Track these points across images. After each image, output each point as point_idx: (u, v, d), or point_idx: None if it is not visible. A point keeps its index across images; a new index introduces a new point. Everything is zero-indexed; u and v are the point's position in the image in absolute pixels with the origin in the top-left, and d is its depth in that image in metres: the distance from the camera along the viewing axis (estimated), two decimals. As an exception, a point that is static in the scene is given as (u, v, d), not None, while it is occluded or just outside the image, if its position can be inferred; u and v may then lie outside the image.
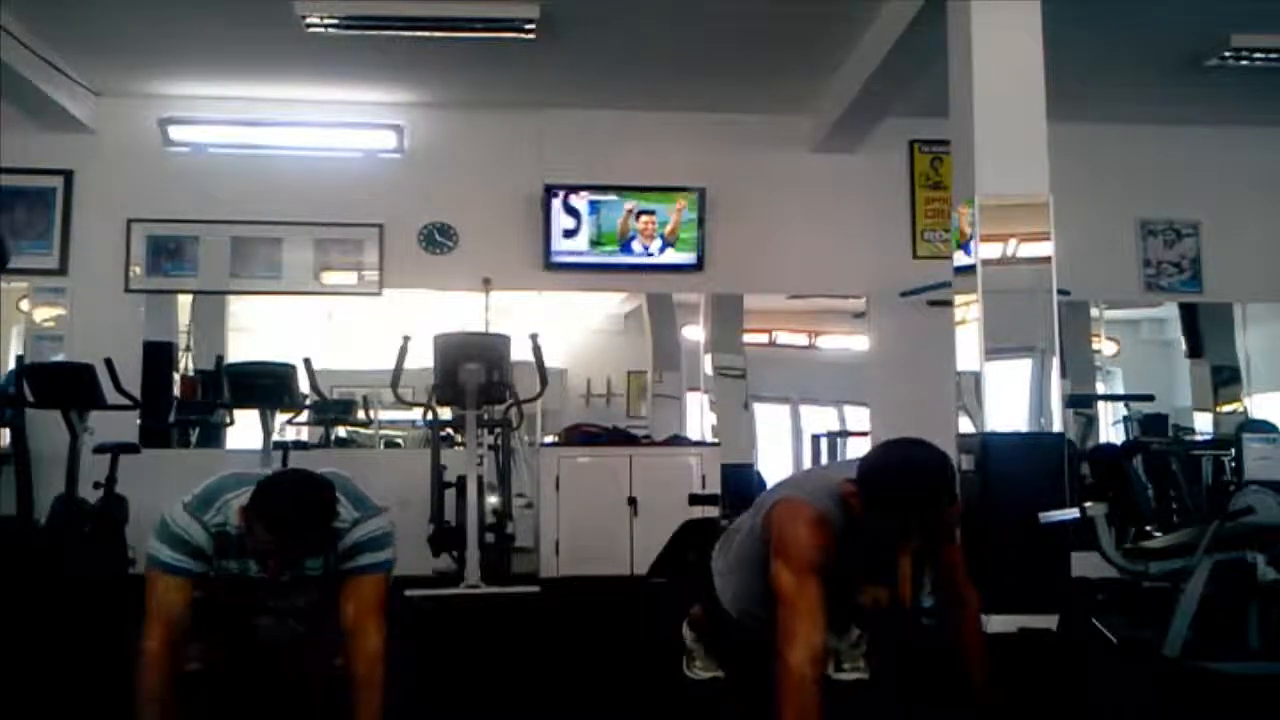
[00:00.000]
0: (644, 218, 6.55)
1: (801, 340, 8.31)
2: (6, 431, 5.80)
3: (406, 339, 5.52)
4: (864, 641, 3.22)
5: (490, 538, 5.44)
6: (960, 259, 4.54)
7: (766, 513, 2.58)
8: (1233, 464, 5.46)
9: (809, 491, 2.53)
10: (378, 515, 2.53)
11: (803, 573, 2.35)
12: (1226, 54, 5.52)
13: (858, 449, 7.12)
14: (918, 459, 2.35)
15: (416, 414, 5.97)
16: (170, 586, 2.37)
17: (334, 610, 2.46)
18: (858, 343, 7.30)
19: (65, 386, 5.26)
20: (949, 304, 4.78)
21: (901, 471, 2.34)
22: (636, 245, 6.56)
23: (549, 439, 6.53)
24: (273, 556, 2.35)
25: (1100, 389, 7.25)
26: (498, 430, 5.92)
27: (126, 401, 5.41)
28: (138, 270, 6.37)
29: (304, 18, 5.12)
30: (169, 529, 2.39)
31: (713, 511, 5.04)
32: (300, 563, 2.43)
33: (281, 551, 2.34)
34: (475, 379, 5.25)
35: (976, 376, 4.33)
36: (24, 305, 6.46)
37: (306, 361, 5.68)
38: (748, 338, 7.21)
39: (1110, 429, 7.05)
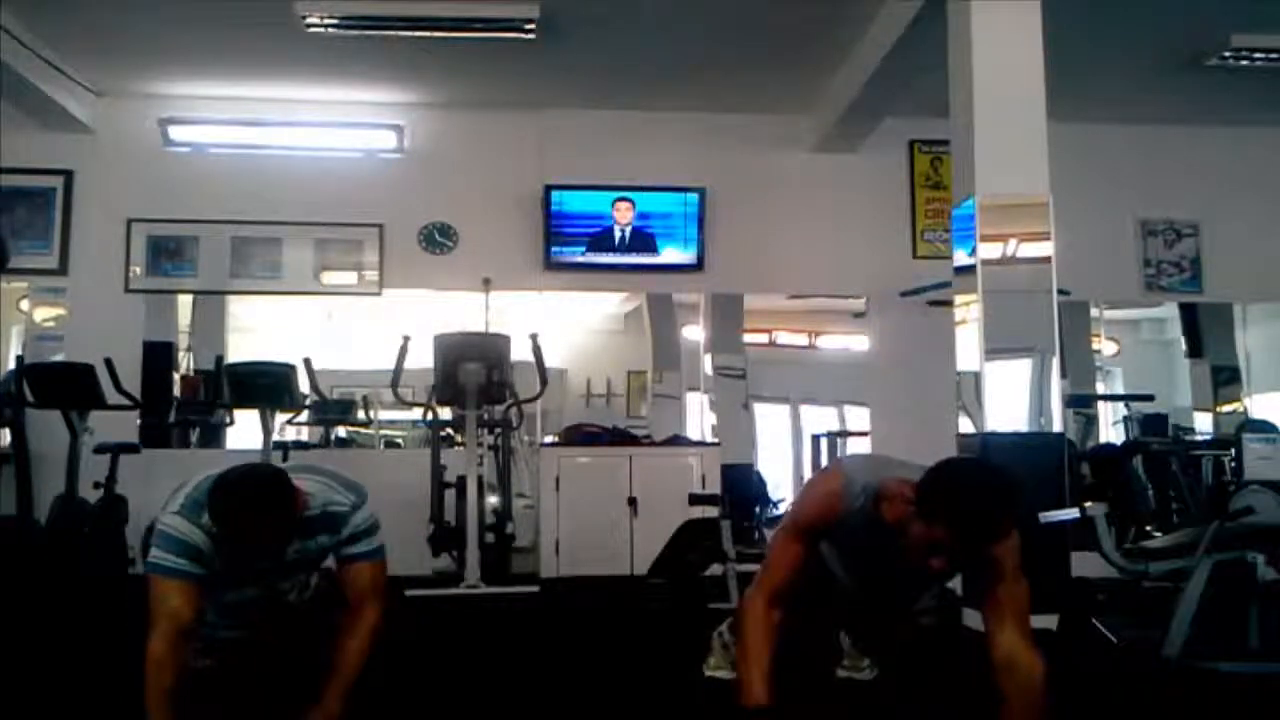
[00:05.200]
0: (621, 204, 6.55)
1: (801, 340, 8.32)
2: (6, 431, 5.80)
3: (406, 339, 5.52)
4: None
5: (490, 538, 5.44)
6: (960, 259, 4.55)
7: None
8: (1233, 464, 5.46)
9: (854, 470, 2.52)
10: (366, 502, 2.64)
11: (794, 532, 2.48)
12: (1226, 54, 5.51)
13: (858, 449, 7.13)
14: (988, 484, 2.22)
15: (416, 414, 5.98)
16: (171, 590, 2.42)
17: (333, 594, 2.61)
18: (858, 343, 7.30)
19: (65, 386, 5.27)
20: (949, 304, 4.78)
21: (964, 486, 2.20)
22: (615, 231, 6.55)
23: (549, 439, 6.53)
24: (241, 548, 2.42)
25: (1100, 389, 7.25)
26: (498, 430, 5.92)
27: (126, 401, 5.42)
28: (138, 270, 6.37)
29: (304, 18, 5.11)
30: (167, 534, 2.45)
31: (713, 511, 5.03)
32: (279, 550, 2.49)
33: (243, 541, 2.40)
34: (475, 379, 5.25)
35: (976, 376, 4.33)
36: (24, 305, 6.46)
37: (306, 361, 5.68)
38: (748, 338, 7.21)
39: (1110, 429, 7.05)
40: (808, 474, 7.64)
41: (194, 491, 2.48)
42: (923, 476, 2.25)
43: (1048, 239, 4.35)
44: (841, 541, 2.50)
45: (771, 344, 8.02)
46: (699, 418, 6.98)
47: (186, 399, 6.63)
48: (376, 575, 2.64)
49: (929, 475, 2.24)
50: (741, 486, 6.40)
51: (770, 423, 7.83)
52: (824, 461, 7.48)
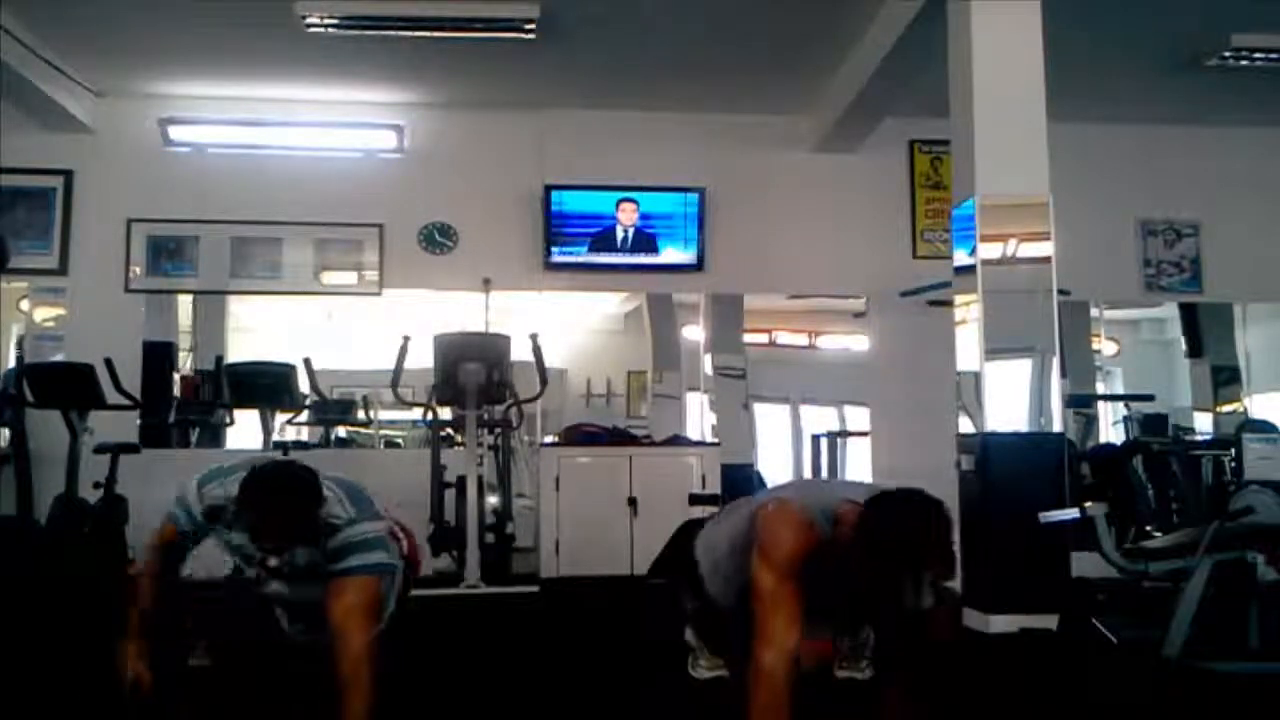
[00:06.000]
0: (625, 205, 6.55)
1: (801, 340, 8.32)
2: (6, 431, 5.80)
3: (406, 339, 5.52)
4: (869, 644, 3.22)
5: (490, 538, 5.44)
6: (960, 259, 4.55)
7: (755, 511, 2.59)
8: (1233, 464, 5.46)
9: (803, 499, 2.53)
10: (375, 520, 2.58)
11: (782, 574, 2.38)
12: (1226, 54, 5.51)
13: (857, 449, 7.13)
14: (922, 526, 2.25)
15: (416, 414, 5.97)
16: (165, 529, 2.69)
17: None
18: (858, 343, 7.31)
19: (65, 386, 5.27)
20: (949, 304, 4.78)
21: (902, 536, 2.23)
22: (618, 231, 6.55)
23: (549, 439, 6.52)
24: (262, 539, 2.45)
25: (1100, 389, 7.25)
26: (498, 430, 5.92)
27: (126, 401, 5.42)
28: (138, 270, 6.37)
29: (304, 18, 5.11)
30: (179, 494, 2.66)
31: (713, 511, 5.03)
32: (291, 549, 2.48)
33: (266, 534, 2.42)
34: (475, 379, 5.24)
35: (976, 376, 4.33)
36: (24, 305, 6.46)
37: (306, 361, 5.68)
38: (748, 338, 7.22)
39: (1110, 429, 7.05)
40: (808, 474, 7.65)
41: (223, 466, 2.63)
42: (861, 519, 2.26)
43: (1048, 239, 4.35)
44: (820, 566, 2.48)
45: (771, 344, 8.04)
46: (699, 418, 6.98)
47: (186, 399, 6.63)
48: (363, 592, 2.49)
49: (866, 519, 2.26)
50: (741, 486, 6.39)
51: (770, 423, 7.84)
52: (824, 462, 7.49)
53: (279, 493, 2.41)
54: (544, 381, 5.71)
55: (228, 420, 6.29)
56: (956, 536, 2.35)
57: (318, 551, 2.50)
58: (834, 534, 2.39)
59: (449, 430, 6.05)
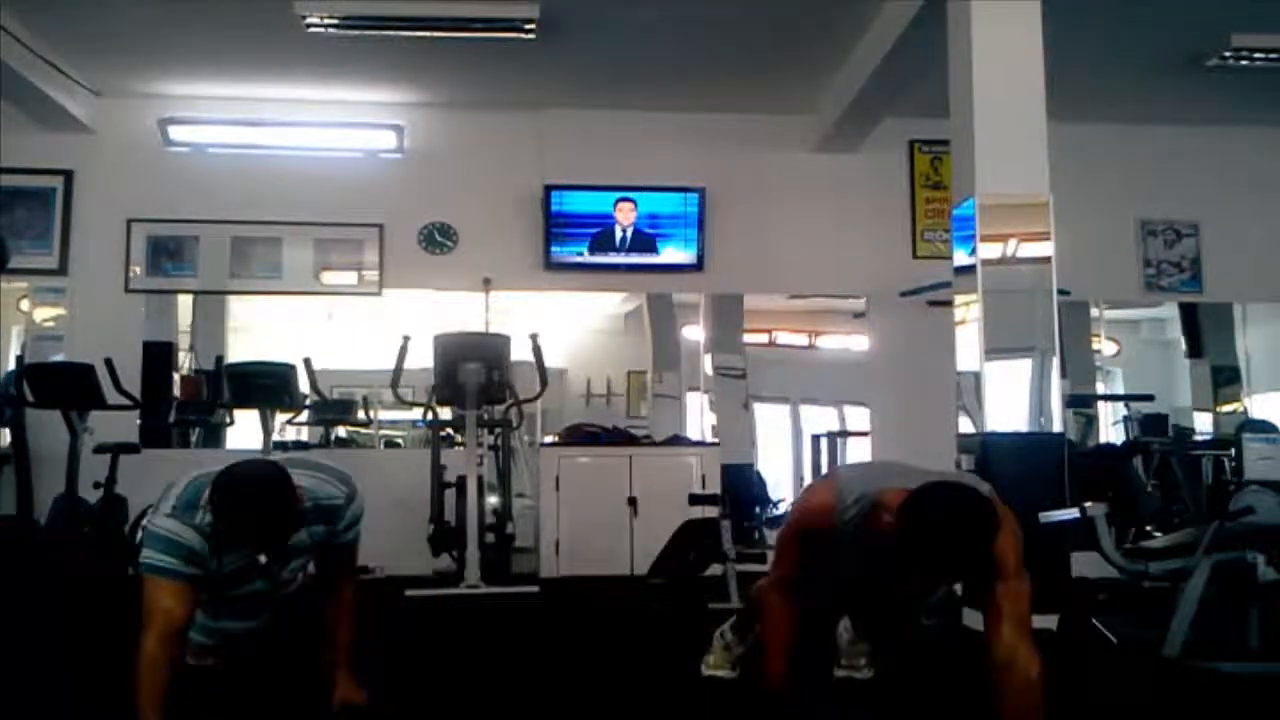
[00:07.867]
0: (624, 204, 6.55)
1: (801, 340, 8.31)
2: (6, 431, 5.80)
3: (406, 339, 5.53)
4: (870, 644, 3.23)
5: (490, 538, 5.44)
6: (960, 259, 4.55)
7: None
8: (1233, 464, 5.46)
9: (847, 481, 2.52)
10: (357, 492, 2.73)
11: (790, 532, 2.68)
12: (1226, 54, 5.51)
13: (857, 449, 7.12)
14: (957, 527, 2.16)
15: (416, 414, 5.98)
16: (165, 590, 2.41)
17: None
18: (858, 343, 7.30)
19: (65, 386, 5.27)
20: (949, 304, 4.79)
21: (938, 538, 2.16)
22: (617, 231, 6.55)
23: (549, 439, 6.53)
24: (247, 547, 2.48)
25: (1100, 389, 7.25)
26: (498, 430, 5.92)
27: (126, 401, 5.42)
28: (138, 270, 6.37)
29: (304, 18, 5.11)
30: (158, 535, 2.45)
31: (713, 511, 5.04)
32: (284, 546, 2.52)
33: (253, 543, 2.45)
34: (475, 379, 5.25)
35: (976, 376, 4.33)
36: (24, 305, 6.46)
37: (306, 361, 5.68)
38: (748, 338, 7.21)
39: (1110, 429, 7.05)
40: (808, 474, 7.64)
41: (184, 492, 2.49)
42: (896, 515, 2.21)
43: (1048, 239, 4.35)
44: (837, 550, 2.49)
45: (771, 344, 8.02)
46: (699, 418, 6.98)
47: (187, 400, 6.63)
48: (355, 554, 2.85)
49: (901, 516, 2.20)
50: (741, 486, 6.40)
51: (770, 423, 7.82)
52: (824, 461, 7.48)
53: (258, 501, 2.37)
54: (544, 381, 5.72)
55: (228, 420, 6.29)
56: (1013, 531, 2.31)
57: (324, 531, 2.66)
58: (866, 521, 2.36)
59: (449, 430, 6.05)
